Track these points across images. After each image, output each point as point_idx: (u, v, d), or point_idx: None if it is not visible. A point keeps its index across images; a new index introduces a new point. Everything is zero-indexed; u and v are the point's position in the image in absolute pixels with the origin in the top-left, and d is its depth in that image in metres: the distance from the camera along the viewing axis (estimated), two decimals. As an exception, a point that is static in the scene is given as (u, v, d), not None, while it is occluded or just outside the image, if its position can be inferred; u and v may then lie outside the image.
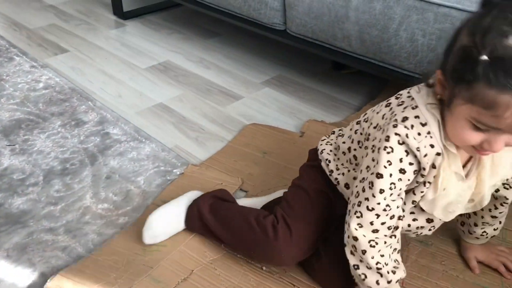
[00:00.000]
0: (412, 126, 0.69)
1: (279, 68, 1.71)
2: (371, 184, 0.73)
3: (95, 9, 2.24)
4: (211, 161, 1.22)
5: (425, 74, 0.74)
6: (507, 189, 0.83)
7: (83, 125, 1.38)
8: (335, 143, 0.90)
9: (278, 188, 1.10)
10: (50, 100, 1.51)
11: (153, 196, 1.12)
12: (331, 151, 0.90)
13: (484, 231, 0.89)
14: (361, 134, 0.82)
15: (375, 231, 0.75)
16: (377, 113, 0.78)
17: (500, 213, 0.87)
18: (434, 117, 0.69)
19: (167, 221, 0.97)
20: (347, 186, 0.85)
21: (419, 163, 0.71)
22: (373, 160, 0.73)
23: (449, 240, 0.99)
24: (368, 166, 0.74)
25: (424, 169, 0.72)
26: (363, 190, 0.74)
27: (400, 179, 0.72)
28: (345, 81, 1.62)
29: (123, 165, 1.22)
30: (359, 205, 0.75)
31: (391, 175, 0.71)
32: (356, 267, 0.78)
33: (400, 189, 0.74)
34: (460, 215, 0.84)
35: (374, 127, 0.77)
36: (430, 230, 0.84)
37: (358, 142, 0.83)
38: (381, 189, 0.72)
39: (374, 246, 0.75)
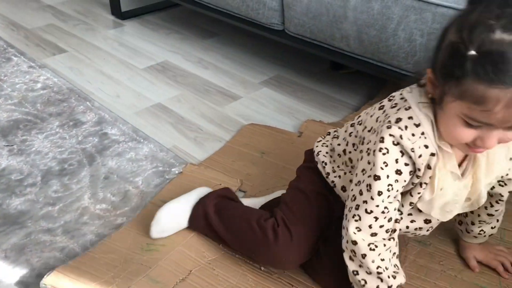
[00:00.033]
0: (406, 127, 0.69)
1: (277, 68, 1.71)
2: (369, 186, 0.72)
3: (93, 9, 2.24)
4: (210, 161, 1.22)
5: (416, 74, 0.74)
6: (502, 186, 0.83)
7: (81, 126, 1.38)
8: (331, 144, 0.90)
9: (276, 189, 1.10)
10: (48, 100, 1.50)
11: (151, 197, 1.11)
12: (327, 153, 0.89)
13: (482, 230, 0.90)
14: (355, 136, 0.82)
15: (374, 234, 0.74)
16: (371, 116, 0.78)
17: (496, 210, 0.87)
18: (428, 118, 0.70)
19: (175, 217, 0.98)
20: (343, 189, 0.85)
21: (414, 164, 0.71)
22: (368, 163, 0.73)
23: (448, 240, 0.99)
24: (363, 169, 0.74)
25: (419, 170, 0.72)
26: (361, 193, 0.74)
27: (396, 180, 0.72)
28: (343, 81, 1.62)
29: (121, 165, 1.22)
30: (357, 209, 0.74)
31: (388, 176, 0.71)
32: (355, 272, 0.77)
33: (397, 190, 0.73)
34: (458, 214, 0.84)
35: (369, 131, 0.77)
36: (428, 230, 0.84)
37: (353, 144, 0.83)
38: (379, 191, 0.72)
39: (374, 250, 0.74)
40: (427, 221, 0.81)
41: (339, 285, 0.84)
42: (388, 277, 0.76)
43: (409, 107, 0.71)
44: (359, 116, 0.84)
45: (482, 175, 0.75)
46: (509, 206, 1.05)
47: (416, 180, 0.73)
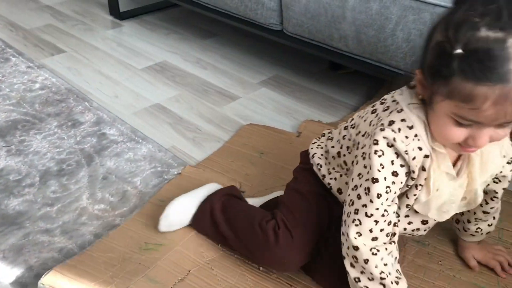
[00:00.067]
0: (399, 130, 0.69)
1: (276, 68, 1.71)
2: (367, 189, 0.72)
3: (92, 9, 2.24)
4: (208, 162, 1.22)
5: (406, 76, 0.74)
6: (496, 183, 0.83)
7: (79, 126, 1.38)
8: (325, 146, 0.90)
9: (275, 189, 1.10)
10: (47, 100, 1.50)
11: (150, 197, 1.11)
12: (322, 155, 0.89)
13: (478, 227, 0.90)
14: (349, 140, 0.83)
15: (375, 238, 0.74)
16: (364, 120, 0.78)
17: (491, 208, 0.87)
18: (420, 119, 0.70)
19: (184, 212, 0.98)
20: (339, 191, 0.85)
21: (408, 165, 0.71)
22: (365, 166, 0.73)
23: (446, 240, 0.99)
24: (360, 173, 0.74)
25: (413, 172, 0.72)
26: (359, 197, 0.73)
27: (393, 182, 0.72)
28: (342, 81, 1.62)
29: (120, 165, 1.22)
30: (356, 213, 0.74)
31: (385, 178, 0.71)
32: (357, 280, 0.76)
33: (395, 192, 0.73)
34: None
35: (363, 135, 0.77)
36: (425, 230, 0.84)
37: (347, 147, 0.83)
38: (378, 194, 0.71)
39: (376, 254, 0.74)
40: (424, 222, 0.81)
41: (340, 285, 0.84)
42: (392, 283, 0.74)
43: (401, 110, 0.71)
44: (352, 119, 0.84)
45: (477, 174, 0.75)
46: (507, 206, 1.05)
47: (411, 182, 0.74)
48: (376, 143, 0.70)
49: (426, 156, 0.70)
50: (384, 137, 0.70)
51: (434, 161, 0.71)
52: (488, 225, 0.90)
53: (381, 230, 0.74)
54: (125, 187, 1.15)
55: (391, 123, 0.70)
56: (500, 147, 0.76)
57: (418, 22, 1.14)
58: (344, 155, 0.84)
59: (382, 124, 0.71)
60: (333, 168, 0.87)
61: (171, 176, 1.18)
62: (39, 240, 1.00)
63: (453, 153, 0.73)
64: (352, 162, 0.81)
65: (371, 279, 0.74)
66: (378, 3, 1.20)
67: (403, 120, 0.70)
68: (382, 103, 0.76)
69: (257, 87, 1.60)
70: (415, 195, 0.75)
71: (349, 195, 0.76)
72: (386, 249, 0.75)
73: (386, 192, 0.72)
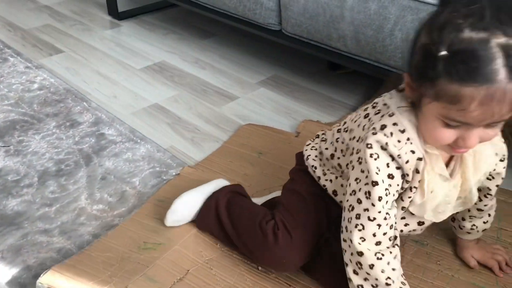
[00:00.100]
0: (391, 134, 0.70)
1: (275, 68, 1.71)
2: (368, 193, 0.72)
3: (90, 9, 2.23)
4: (207, 162, 1.22)
5: (393, 79, 0.75)
6: (490, 180, 0.83)
7: (78, 126, 1.38)
8: (320, 147, 0.90)
9: (274, 189, 1.10)
10: (45, 101, 1.50)
11: (148, 197, 1.11)
12: (316, 156, 0.90)
13: (473, 224, 0.89)
14: (342, 143, 0.83)
15: (378, 243, 0.73)
16: (358, 125, 0.78)
17: (485, 205, 0.86)
18: (411, 122, 0.70)
19: (191, 208, 0.99)
20: (335, 193, 0.86)
21: (403, 168, 0.72)
22: (362, 171, 0.73)
23: (445, 240, 0.99)
24: (357, 178, 0.74)
25: (407, 175, 0.72)
26: (359, 202, 0.73)
27: (390, 185, 0.72)
28: (340, 81, 1.62)
29: (118, 166, 1.22)
30: (358, 218, 0.73)
31: (383, 181, 0.71)
32: (360, 287, 0.75)
33: (394, 195, 0.74)
34: None
35: (357, 140, 0.77)
36: (421, 230, 0.85)
37: (341, 151, 0.83)
38: (379, 197, 0.71)
39: (381, 259, 0.73)
40: (420, 223, 0.82)
41: (341, 285, 0.84)
42: None
43: (393, 114, 0.71)
44: (345, 123, 0.84)
45: (470, 173, 0.75)
46: (506, 206, 1.06)
47: (406, 185, 0.74)
48: (370, 146, 0.70)
49: (419, 159, 0.71)
50: (376, 141, 0.70)
51: (428, 163, 0.71)
52: (484, 222, 0.90)
53: (384, 233, 0.74)
54: (123, 187, 1.15)
55: (383, 127, 0.70)
56: (493, 146, 0.76)
57: (416, 22, 1.14)
58: (339, 158, 0.84)
59: (374, 128, 0.71)
60: (328, 170, 0.87)
61: (170, 177, 1.18)
62: (37, 240, 1.00)
63: (445, 154, 0.73)
64: (347, 165, 0.82)
65: (375, 286, 0.74)
66: (377, 3, 1.20)
67: (394, 124, 0.70)
68: (373, 107, 0.77)
69: (255, 87, 1.60)
70: (409, 197, 0.75)
71: (347, 200, 0.75)
72: (391, 252, 0.74)
73: (386, 195, 0.72)
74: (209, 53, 1.82)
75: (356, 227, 0.73)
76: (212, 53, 1.83)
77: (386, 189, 0.72)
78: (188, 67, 1.73)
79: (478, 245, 0.93)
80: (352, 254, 0.75)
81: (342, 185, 0.84)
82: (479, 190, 0.83)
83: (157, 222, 1.02)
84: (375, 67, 1.30)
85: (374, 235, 0.73)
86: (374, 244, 0.73)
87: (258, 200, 1.04)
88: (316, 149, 0.91)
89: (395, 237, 0.76)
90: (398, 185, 0.73)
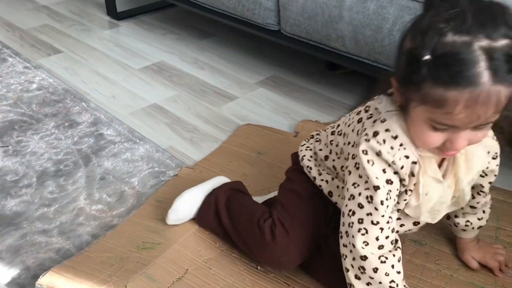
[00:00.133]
0: (384, 141, 0.70)
1: (274, 68, 1.71)
2: (370, 198, 0.72)
3: (89, 9, 2.23)
4: (205, 162, 1.22)
5: (382, 83, 0.75)
6: (483, 177, 0.83)
7: (76, 126, 1.37)
8: (314, 147, 0.90)
9: (272, 189, 1.10)
10: (44, 101, 1.50)
11: (147, 197, 1.11)
12: (311, 156, 0.90)
13: (467, 221, 0.89)
14: (336, 146, 0.83)
15: (381, 247, 0.74)
16: (352, 130, 0.78)
17: (477, 202, 0.87)
18: (403, 128, 0.70)
19: (192, 205, 0.99)
20: (330, 194, 0.86)
21: (399, 174, 0.72)
22: (360, 176, 0.73)
23: (443, 240, 0.99)
24: (355, 183, 0.74)
25: (404, 179, 0.72)
26: (361, 207, 0.73)
27: (390, 190, 0.72)
28: (339, 81, 1.62)
29: (117, 166, 1.22)
30: (361, 222, 0.73)
31: (384, 186, 0.72)
32: None
33: (394, 199, 0.74)
34: None
35: (352, 146, 0.77)
36: (417, 229, 0.85)
37: (336, 153, 0.84)
38: (381, 201, 0.72)
39: (385, 262, 0.73)
40: (416, 223, 0.82)
41: (342, 284, 0.84)
42: None
43: (384, 120, 0.71)
44: (338, 125, 0.85)
45: (462, 173, 0.76)
46: (504, 205, 1.06)
47: (402, 188, 0.74)
48: (366, 153, 0.71)
49: (414, 163, 0.71)
50: (370, 148, 0.70)
51: (422, 166, 0.72)
52: (478, 219, 0.89)
53: (387, 237, 0.74)
54: (122, 188, 1.15)
55: (376, 134, 0.71)
56: (484, 145, 0.76)
57: (415, 22, 1.14)
58: (334, 160, 0.85)
59: (367, 135, 0.71)
60: (323, 170, 0.88)
61: (168, 178, 1.18)
62: (36, 240, 1.00)
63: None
64: (342, 167, 0.82)
65: None
66: (375, 3, 1.20)
67: (387, 130, 0.70)
68: (366, 111, 0.77)
69: (254, 87, 1.60)
70: (405, 200, 0.76)
71: (346, 205, 0.75)
72: (394, 255, 0.74)
73: (387, 199, 0.72)
74: (208, 53, 1.82)
75: (359, 231, 0.73)
76: (211, 53, 1.83)
77: (387, 193, 0.72)
78: (187, 67, 1.73)
79: (478, 246, 0.93)
80: (354, 259, 0.74)
81: (337, 187, 0.85)
82: (472, 187, 0.83)
83: (156, 222, 1.02)
84: (374, 67, 1.30)
85: (377, 238, 0.73)
86: (377, 248, 0.73)
87: (257, 200, 1.04)
88: (310, 150, 0.91)
89: (396, 240, 0.76)
90: (397, 189, 0.73)
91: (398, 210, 0.78)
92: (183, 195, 1.00)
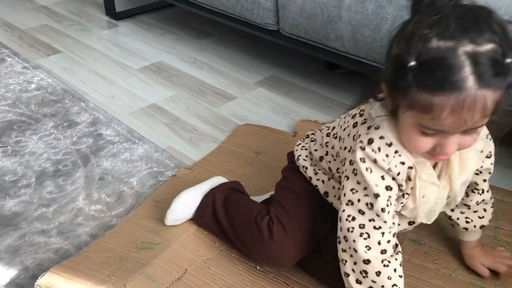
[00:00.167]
0: (379, 149, 0.70)
1: (273, 68, 1.71)
2: (370, 205, 0.72)
3: (88, 9, 2.23)
4: (204, 162, 1.22)
5: (368, 92, 0.75)
6: (477, 174, 0.83)
7: (75, 126, 1.37)
8: (309, 147, 0.90)
9: (271, 189, 1.10)
10: (42, 101, 1.50)
11: (146, 198, 1.11)
12: (306, 156, 0.90)
13: (467, 217, 0.88)
14: (332, 148, 0.83)
15: (384, 251, 0.74)
16: (348, 134, 0.78)
17: (471, 200, 0.86)
18: (397, 134, 0.70)
19: (191, 206, 0.99)
20: (326, 194, 0.86)
21: (396, 180, 0.72)
22: (358, 182, 0.73)
23: (442, 239, 0.99)
24: (353, 189, 0.74)
25: (401, 185, 0.73)
26: (362, 213, 0.73)
27: (390, 196, 0.73)
28: (338, 81, 1.62)
29: (116, 166, 1.22)
30: (362, 227, 0.73)
31: (383, 192, 0.72)
32: None
33: (394, 204, 0.74)
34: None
35: (349, 151, 0.77)
36: (412, 228, 0.85)
37: (332, 155, 0.84)
38: (382, 208, 0.72)
39: (387, 266, 0.73)
40: (411, 223, 0.83)
41: (342, 283, 0.84)
42: None
43: (378, 127, 0.71)
44: (334, 128, 0.85)
45: (456, 174, 0.76)
46: (502, 205, 1.06)
47: (400, 193, 0.75)
48: (363, 161, 0.71)
49: (410, 168, 0.71)
50: (367, 156, 0.71)
51: (418, 170, 0.72)
52: (479, 217, 0.88)
53: (388, 241, 0.74)
54: (121, 188, 1.15)
55: (370, 142, 0.71)
56: (478, 144, 0.76)
57: (413, 22, 1.14)
58: (329, 162, 0.85)
59: (361, 142, 0.71)
60: (319, 169, 0.88)
61: (166, 178, 1.18)
62: (35, 241, 1.00)
63: None
64: (337, 169, 0.83)
65: None
66: (374, 3, 1.20)
67: (381, 137, 0.70)
68: (361, 115, 0.77)
69: (253, 87, 1.60)
70: (402, 203, 0.76)
71: (344, 210, 0.75)
72: (396, 259, 0.75)
73: (387, 205, 0.72)
74: (207, 53, 1.82)
75: (361, 236, 0.73)
76: (210, 53, 1.83)
77: (387, 199, 0.72)
78: (186, 67, 1.73)
79: (484, 251, 0.91)
80: (355, 263, 0.74)
81: (333, 187, 0.85)
82: (467, 186, 0.83)
83: (154, 223, 1.02)
84: (373, 67, 1.30)
85: (379, 243, 0.73)
86: (379, 252, 0.73)
87: (255, 199, 1.04)
88: (306, 149, 0.91)
89: (397, 245, 0.76)
90: (396, 194, 0.74)
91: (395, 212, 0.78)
92: (181, 195, 1.00)
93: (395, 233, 0.75)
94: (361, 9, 1.22)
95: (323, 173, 0.87)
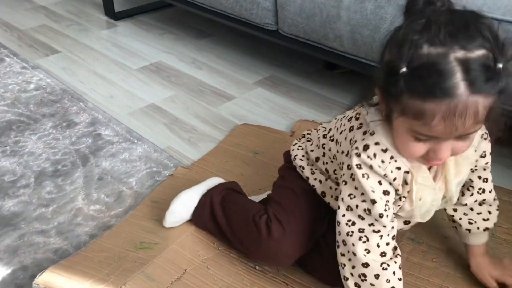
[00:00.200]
0: (374, 155, 0.70)
1: (272, 68, 1.71)
2: (368, 211, 0.73)
3: (87, 9, 2.23)
4: (202, 162, 1.22)
5: (366, 94, 0.75)
6: (473, 171, 0.83)
7: (74, 126, 1.37)
8: (306, 147, 0.91)
9: (269, 188, 1.10)
10: (41, 101, 1.50)
11: (144, 198, 1.11)
12: (303, 156, 0.90)
13: (470, 219, 0.86)
14: (329, 150, 0.83)
15: (383, 254, 0.74)
16: (344, 138, 0.78)
17: (466, 199, 0.85)
18: (392, 140, 0.70)
19: (189, 207, 0.99)
20: (323, 194, 0.86)
21: (393, 185, 0.73)
22: (356, 188, 0.73)
23: (440, 238, 0.99)
24: (350, 194, 0.74)
25: (398, 190, 0.73)
26: (361, 218, 0.73)
27: (388, 200, 0.73)
28: (337, 81, 1.62)
29: (115, 166, 1.22)
30: (362, 231, 0.73)
31: (381, 198, 0.72)
32: None
33: (393, 208, 0.75)
34: (443, 211, 0.86)
35: (346, 155, 0.77)
36: (408, 227, 0.86)
37: (329, 157, 0.84)
38: (380, 214, 0.72)
39: (386, 269, 0.73)
40: (406, 222, 0.83)
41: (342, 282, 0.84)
42: None
43: (373, 132, 0.71)
44: (330, 130, 0.85)
45: (451, 175, 0.76)
46: (500, 203, 1.06)
47: (397, 196, 0.75)
48: (360, 167, 0.71)
49: (406, 172, 0.72)
50: (363, 162, 0.71)
51: (415, 174, 0.72)
52: (484, 220, 0.87)
53: (387, 244, 0.74)
54: (120, 188, 1.15)
55: (366, 148, 0.71)
56: (472, 146, 0.76)
57: (412, 22, 1.14)
58: (326, 163, 0.85)
59: (357, 148, 0.71)
60: (316, 169, 0.88)
61: (165, 178, 1.18)
62: (34, 241, 1.00)
63: None
64: (334, 171, 0.83)
65: None
66: (373, 3, 1.20)
67: (376, 143, 0.70)
68: (357, 118, 0.77)
69: (252, 87, 1.60)
70: (399, 205, 0.76)
71: (344, 215, 0.75)
72: (395, 262, 0.75)
73: (385, 210, 0.73)
74: (206, 53, 1.82)
75: (360, 239, 0.73)
76: (209, 53, 1.83)
77: (385, 205, 0.73)
78: (185, 67, 1.73)
79: (492, 262, 0.89)
80: (354, 267, 0.74)
81: (331, 188, 0.85)
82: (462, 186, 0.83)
83: (153, 223, 1.02)
84: (372, 67, 1.30)
85: (378, 245, 0.74)
86: (378, 255, 0.74)
87: (253, 199, 1.04)
88: (302, 149, 0.92)
89: (396, 247, 0.77)
90: (393, 198, 0.74)
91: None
92: (179, 197, 1.00)
93: (394, 235, 0.75)
94: (360, 9, 1.23)
95: (320, 173, 0.87)
